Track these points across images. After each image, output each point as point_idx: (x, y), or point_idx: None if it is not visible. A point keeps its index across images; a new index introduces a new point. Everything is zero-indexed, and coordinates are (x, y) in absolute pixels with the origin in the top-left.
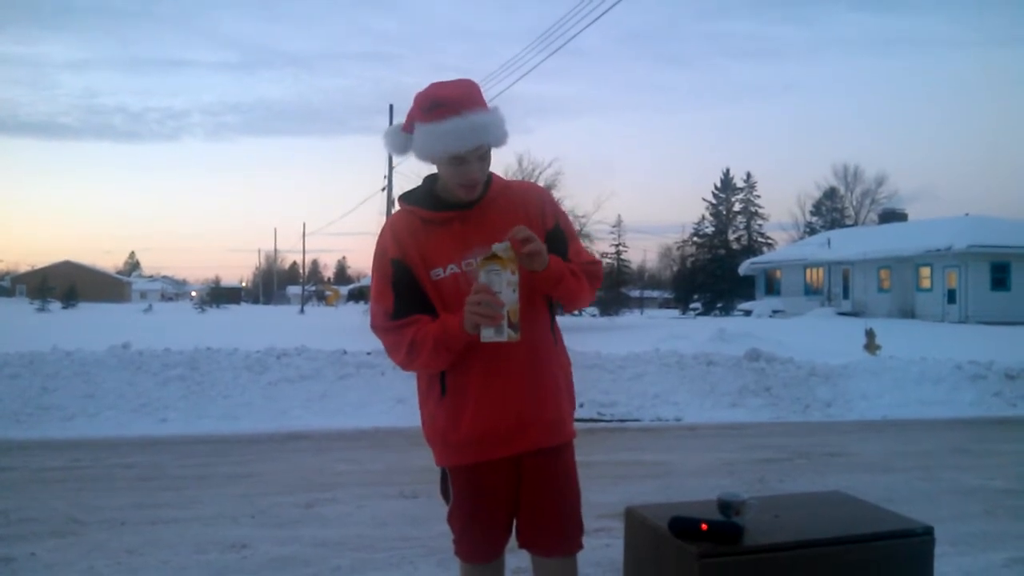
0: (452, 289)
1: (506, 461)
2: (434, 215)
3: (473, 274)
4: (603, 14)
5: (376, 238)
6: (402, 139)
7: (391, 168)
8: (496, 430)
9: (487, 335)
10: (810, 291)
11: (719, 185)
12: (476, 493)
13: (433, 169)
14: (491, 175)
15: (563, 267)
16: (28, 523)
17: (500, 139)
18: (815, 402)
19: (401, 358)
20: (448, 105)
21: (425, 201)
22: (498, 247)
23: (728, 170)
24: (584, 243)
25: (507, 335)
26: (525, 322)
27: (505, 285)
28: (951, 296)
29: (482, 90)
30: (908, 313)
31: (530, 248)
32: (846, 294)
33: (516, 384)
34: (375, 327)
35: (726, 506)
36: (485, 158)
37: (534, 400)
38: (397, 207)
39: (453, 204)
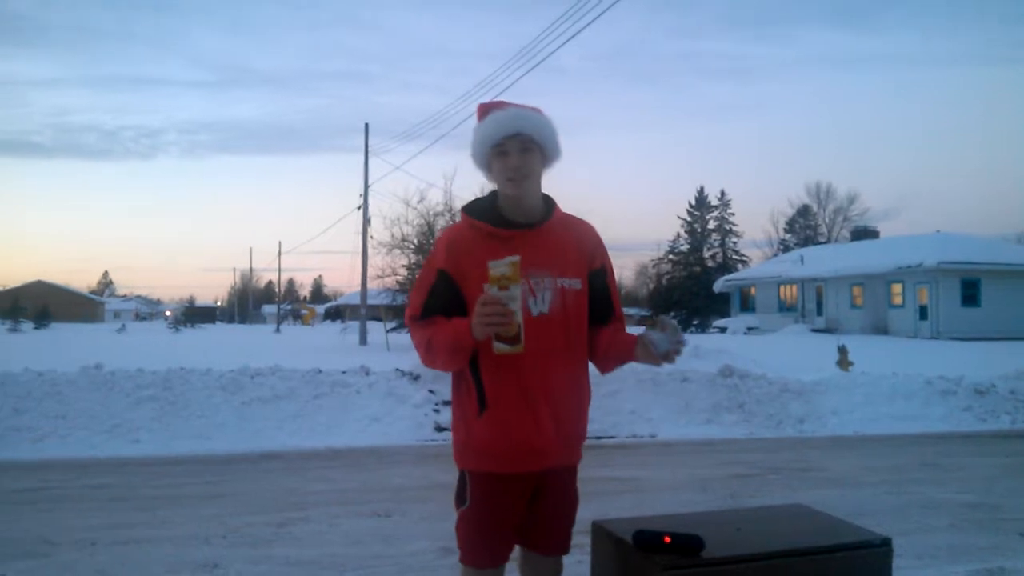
0: None
1: (529, 474)
2: (499, 231)
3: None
4: (577, 33)
5: (434, 242)
6: (473, 152)
7: (367, 187)
8: (529, 445)
9: (499, 347)
10: (784, 308)
11: (694, 203)
12: (496, 502)
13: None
14: (553, 204)
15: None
16: None
17: (545, 137)
18: (788, 418)
19: (422, 355)
20: (498, 105)
21: (490, 216)
22: (502, 265)
23: (703, 188)
24: None
25: (515, 344)
26: (569, 349)
27: (515, 298)
28: (923, 312)
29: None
30: (881, 329)
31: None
32: (820, 311)
33: (552, 403)
34: (406, 320)
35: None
36: (529, 150)
37: (565, 420)
38: (459, 218)
39: (518, 224)
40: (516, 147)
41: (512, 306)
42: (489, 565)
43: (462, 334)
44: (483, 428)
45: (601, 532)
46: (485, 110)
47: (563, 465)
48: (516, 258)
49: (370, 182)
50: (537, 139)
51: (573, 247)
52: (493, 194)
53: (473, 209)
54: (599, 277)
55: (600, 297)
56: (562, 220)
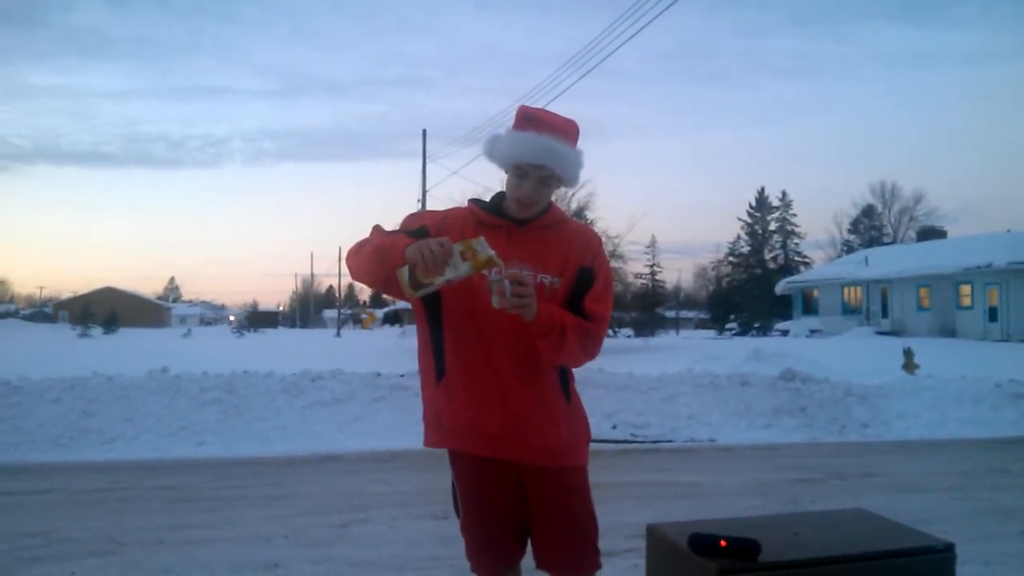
0: (471, 287)
1: (504, 466)
2: (489, 218)
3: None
4: (636, 33)
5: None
6: (491, 142)
7: (424, 192)
8: (481, 428)
9: (401, 275)
10: (848, 310)
11: (754, 204)
12: (477, 488)
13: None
14: (552, 205)
15: (553, 324)
16: (68, 543)
17: (567, 173)
18: (851, 422)
19: (352, 248)
20: (536, 122)
21: (489, 206)
22: (486, 247)
23: (763, 189)
24: (617, 264)
25: (413, 289)
26: (530, 346)
27: (457, 270)
28: (992, 314)
29: (579, 134)
30: (949, 331)
31: (521, 291)
32: (885, 313)
33: (504, 392)
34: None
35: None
36: (547, 184)
37: (516, 416)
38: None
39: (510, 217)
40: (536, 176)
41: (448, 272)
42: (489, 571)
43: (398, 246)
44: (444, 400)
45: (656, 535)
46: (524, 122)
47: (531, 464)
48: (499, 260)
49: (428, 187)
50: (559, 174)
51: (560, 246)
52: (501, 194)
53: (477, 200)
54: (586, 272)
55: (577, 289)
56: (558, 222)
